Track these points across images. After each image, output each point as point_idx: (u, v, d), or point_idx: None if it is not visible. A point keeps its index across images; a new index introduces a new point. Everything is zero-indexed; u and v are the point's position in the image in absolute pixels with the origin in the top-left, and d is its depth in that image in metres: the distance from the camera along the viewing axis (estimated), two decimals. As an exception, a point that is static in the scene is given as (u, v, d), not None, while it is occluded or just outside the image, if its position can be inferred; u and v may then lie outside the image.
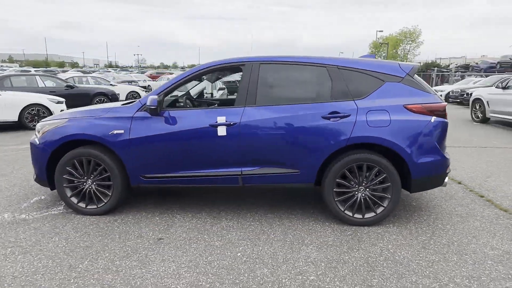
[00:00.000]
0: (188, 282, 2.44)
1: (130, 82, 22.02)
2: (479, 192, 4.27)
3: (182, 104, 4.23)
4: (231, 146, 3.30)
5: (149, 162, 3.41)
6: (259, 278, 2.49)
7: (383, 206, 3.28)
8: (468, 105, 11.74)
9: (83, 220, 3.45)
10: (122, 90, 15.72)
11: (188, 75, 3.49)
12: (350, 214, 3.32)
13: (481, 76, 24.97)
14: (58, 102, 9.20)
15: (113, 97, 13.25)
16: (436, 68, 37.70)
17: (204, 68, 3.53)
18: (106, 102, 12.67)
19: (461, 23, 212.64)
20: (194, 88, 4.98)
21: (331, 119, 3.22)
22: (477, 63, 43.50)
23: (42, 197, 4.10)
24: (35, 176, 3.72)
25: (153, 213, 3.65)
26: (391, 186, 3.22)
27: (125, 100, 14.54)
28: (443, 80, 36.08)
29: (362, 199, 3.29)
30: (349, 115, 3.21)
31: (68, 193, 3.57)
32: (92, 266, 2.64)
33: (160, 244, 2.99)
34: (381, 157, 3.22)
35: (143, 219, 3.51)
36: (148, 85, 25.11)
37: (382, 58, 57.14)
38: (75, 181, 3.55)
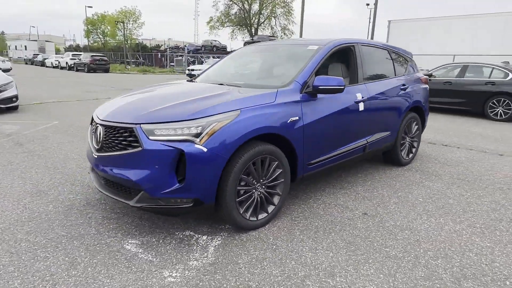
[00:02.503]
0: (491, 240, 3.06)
1: None
2: (427, 141, 6.42)
3: None
4: (366, 119, 3.75)
5: (315, 147, 3.23)
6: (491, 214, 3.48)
7: (415, 147, 4.84)
8: None
9: (266, 235, 2.85)
10: None
11: (326, 55, 3.44)
12: (405, 157, 4.66)
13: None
14: None
15: None
16: (168, 48, 41.17)
17: (334, 47, 3.56)
18: None
19: (151, 9, 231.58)
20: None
21: (403, 90, 4.34)
22: (185, 45, 51.12)
23: (149, 237, 2.70)
24: (189, 203, 2.49)
25: (289, 207, 3.45)
26: (420, 130, 4.81)
27: None
28: (170, 60, 40.10)
29: (408, 144, 4.70)
30: (408, 87, 4.44)
31: (240, 209, 2.74)
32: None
33: (390, 215, 3.19)
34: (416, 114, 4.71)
35: (299, 216, 3.31)
36: None
37: (100, 35, 54.47)
38: (243, 191, 2.77)
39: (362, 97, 3.67)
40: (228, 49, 46.70)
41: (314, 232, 2.87)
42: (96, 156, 2.76)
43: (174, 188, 2.45)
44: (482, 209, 3.38)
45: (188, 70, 23.30)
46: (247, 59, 4.06)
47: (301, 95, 3.08)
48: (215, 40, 47.22)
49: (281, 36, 52.92)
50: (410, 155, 4.77)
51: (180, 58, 39.42)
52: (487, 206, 3.44)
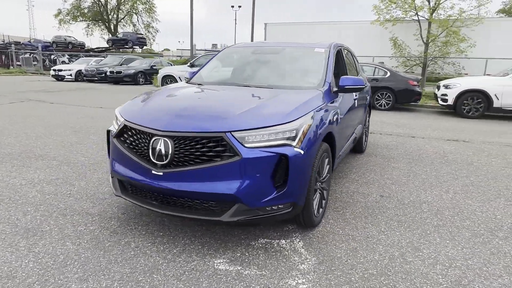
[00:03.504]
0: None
1: None
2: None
3: None
4: (357, 114, 4.25)
5: (340, 142, 3.53)
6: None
7: (367, 136, 5.67)
8: (123, 81, 18.15)
9: (332, 228, 3.04)
10: None
11: (334, 56, 3.73)
12: (364, 144, 5.42)
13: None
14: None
15: None
16: (12, 45, 34.09)
17: (336, 49, 3.87)
18: None
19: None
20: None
21: (365, 88, 5.03)
22: (29, 41, 43.82)
23: (230, 253, 2.51)
24: (288, 208, 2.44)
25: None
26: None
27: None
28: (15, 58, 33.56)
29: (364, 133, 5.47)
30: (366, 85, 5.17)
31: (313, 207, 2.84)
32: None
33: (397, 195, 3.72)
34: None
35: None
36: None
37: None
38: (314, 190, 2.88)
39: (356, 95, 4.14)
40: (88, 47, 41.97)
41: (364, 217, 3.17)
42: (161, 174, 2.39)
43: (274, 195, 2.38)
44: (448, 179, 4.30)
45: (54, 70, 20.04)
46: (251, 61, 3.99)
47: (332, 94, 3.32)
48: (70, 36, 41.81)
49: (146, 34, 50.43)
50: (366, 143, 5.56)
51: (29, 56, 33.36)
52: (449, 176, 4.40)
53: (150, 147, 2.42)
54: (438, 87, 10.27)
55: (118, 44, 40.25)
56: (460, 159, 5.23)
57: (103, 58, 22.76)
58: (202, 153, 2.32)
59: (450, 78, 14.76)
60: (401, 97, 10.41)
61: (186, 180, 2.35)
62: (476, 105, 9.34)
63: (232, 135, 2.30)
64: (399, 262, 2.47)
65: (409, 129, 7.68)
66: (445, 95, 9.74)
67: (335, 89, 3.39)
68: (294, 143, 2.40)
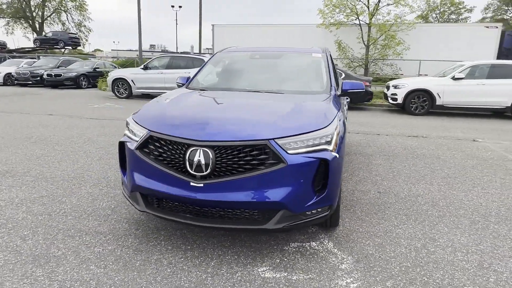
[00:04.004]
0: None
1: None
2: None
3: None
4: (346, 113, 4.45)
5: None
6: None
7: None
8: (63, 85, 16.66)
9: (351, 226, 3.18)
10: None
11: (331, 62, 3.88)
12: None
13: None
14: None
15: None
16: None
17: (330, 54, 4.02)
18: None
19: None
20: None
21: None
22: None
23: (268, 260, 2.51)
24: (326, 212, 2.50)
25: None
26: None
27: None
28: None
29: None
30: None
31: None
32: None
33: (394, 191, 3.98)
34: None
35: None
36: None
37: None
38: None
39: (347, 97, 4.35)
40: (12, 46, 38.03)
41: (374, 214, 3.36)
42: (202, 185, 2.31)
43: (315, 199, 2.43)
44: (427, 172, 4.71)
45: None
46: (252, 66, 3.96)
47: (337, 98, 3.46)
48: (-12, 35, 37.48)
49: (77, 33, 46.97)
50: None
51: None
52: (427, 170, 4.82)
53: (187, 158, 2.32)
54: (388, 87, 11.11)
55: (47, 44, 37.02)
56: (428, 154, 5.74)
57: (35, 60, 20.74)
58: (245, 162, 2.29)
59: (389, 78, 16.06)
60: (356, 97, 11.05)
61: (229, 190, 2.30)
62: (422, 103, 10.29)
63: (275, 142, 2.30)
64: (425, 253, 2.67)
65: (372, 127, 8.22)
66: (395, 94, 10.58)
67: (338, 92, 3.54)
68: (330, 148, 2.47)
